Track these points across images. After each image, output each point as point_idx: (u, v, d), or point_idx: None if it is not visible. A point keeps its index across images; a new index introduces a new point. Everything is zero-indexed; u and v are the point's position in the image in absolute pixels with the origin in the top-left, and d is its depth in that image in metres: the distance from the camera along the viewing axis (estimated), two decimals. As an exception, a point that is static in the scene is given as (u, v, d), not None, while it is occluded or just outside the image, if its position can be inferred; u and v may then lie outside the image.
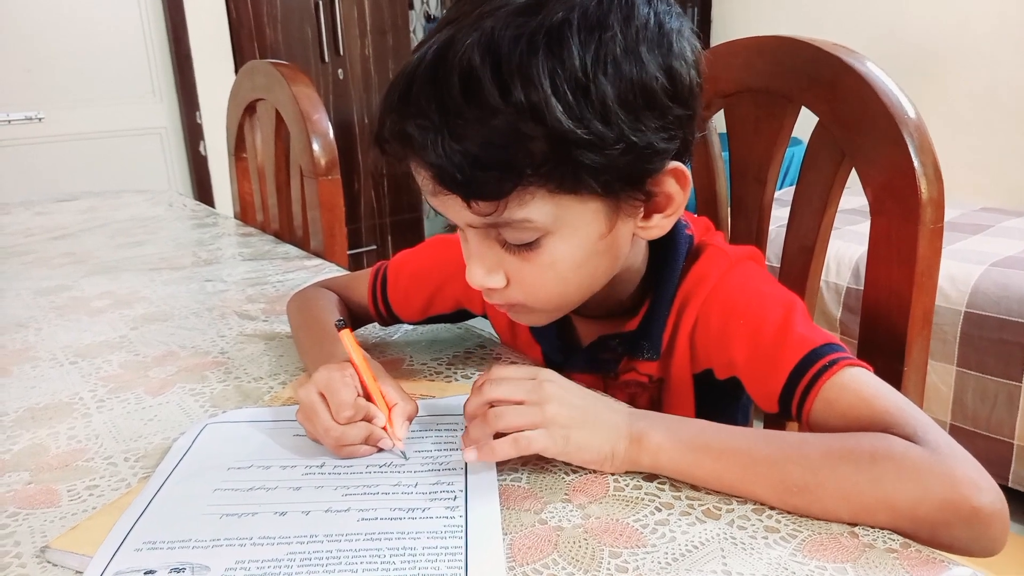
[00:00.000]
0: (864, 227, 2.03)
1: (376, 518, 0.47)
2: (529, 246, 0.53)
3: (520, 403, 0.51)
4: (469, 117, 0.47)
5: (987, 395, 1.76)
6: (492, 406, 0.52)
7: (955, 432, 1.81)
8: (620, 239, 0.56)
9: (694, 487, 0.51)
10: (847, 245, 1.95)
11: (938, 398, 1.83)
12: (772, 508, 0.48)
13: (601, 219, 0.53)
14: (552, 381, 0.52)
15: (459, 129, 0.47)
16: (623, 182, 0.51)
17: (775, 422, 0.79)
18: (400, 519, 0.47)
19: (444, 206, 0.53)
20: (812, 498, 0.47)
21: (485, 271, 0.56)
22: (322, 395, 0.55)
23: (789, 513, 0.48)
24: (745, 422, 0.75)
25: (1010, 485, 1.73)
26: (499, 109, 0.46)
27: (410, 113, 0.49)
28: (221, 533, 0.46)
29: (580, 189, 0.50)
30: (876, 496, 0.45)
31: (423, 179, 0.52)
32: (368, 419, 0.55)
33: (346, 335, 0.59)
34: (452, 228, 0.59)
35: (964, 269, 1.81)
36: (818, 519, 0.47)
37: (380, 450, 0.55)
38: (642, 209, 0.55)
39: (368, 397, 0.57)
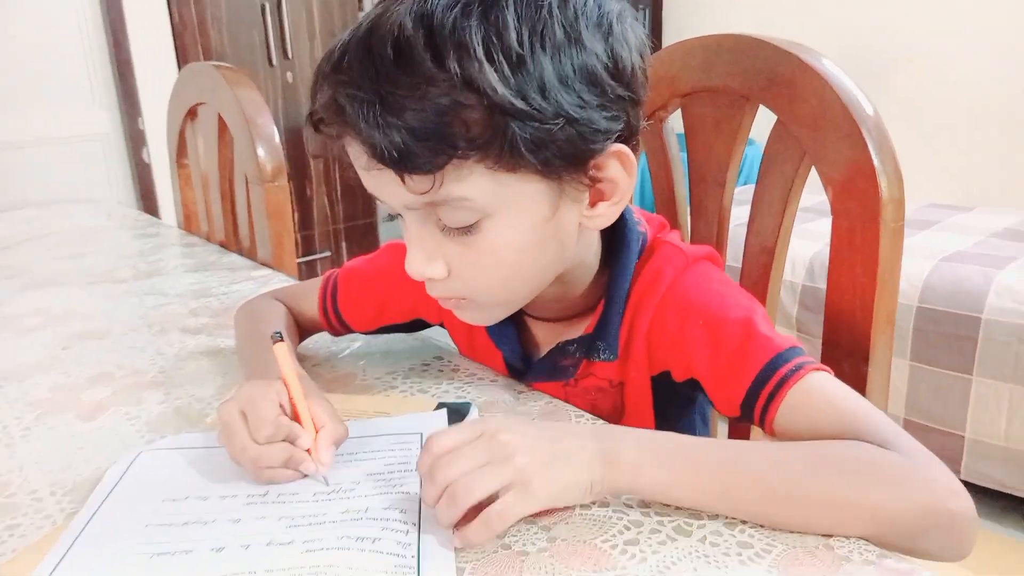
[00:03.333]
0: (817, 225, 2.07)
1: (322, 548, 0.43)
2: (469, 230, 0.50)
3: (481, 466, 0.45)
4: (402, 86, 0.45)
5: (940, 389, 1.78)
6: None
7: (909, 427, 1.84)
8: (565, 226, 0.53)
9: (663, 503, 0.48)
10: (801, 243, 1.97)
11: (892, 393, 1.86)
12: (745, 522, 0.46)
13: (543, 202, 0.51)
14: (504, 429, 0.46)
15: (392, 99, 0.45)
16: (564, 161, 0.49)
17: (739, 427, 0.78)
18: (348, 549, 0.43)
19: (380, 185, 0.51)
20: (796, 510, 0.45)
21: (424, 258, 0.53)
22: (244, 413, 0.52)
23: (766, 527, 0.46)
24: (706, 427, 0.73)
25: (962, 478, 1.75)
26: (433, 77, 0.45)
27: (342, 83, 0.47)
28: (151, 575, 0.42)
29: (519, 167, 0.48)
30: (860, 504, 0.45)
31: (356, 154, 0.50)
32: (291, 440, 0.51)
33: (280, 348, 0.56)
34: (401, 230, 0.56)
35: (915, 265, 1.84)
36: (798, 531, 0.45)
37: (303, 475, 0.52)
38: (587, 195, 0.53)
39: (296, 417, 0.53)
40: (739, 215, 0.81)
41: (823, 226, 2.04)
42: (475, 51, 0.44)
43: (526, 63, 0.45)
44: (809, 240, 1.99)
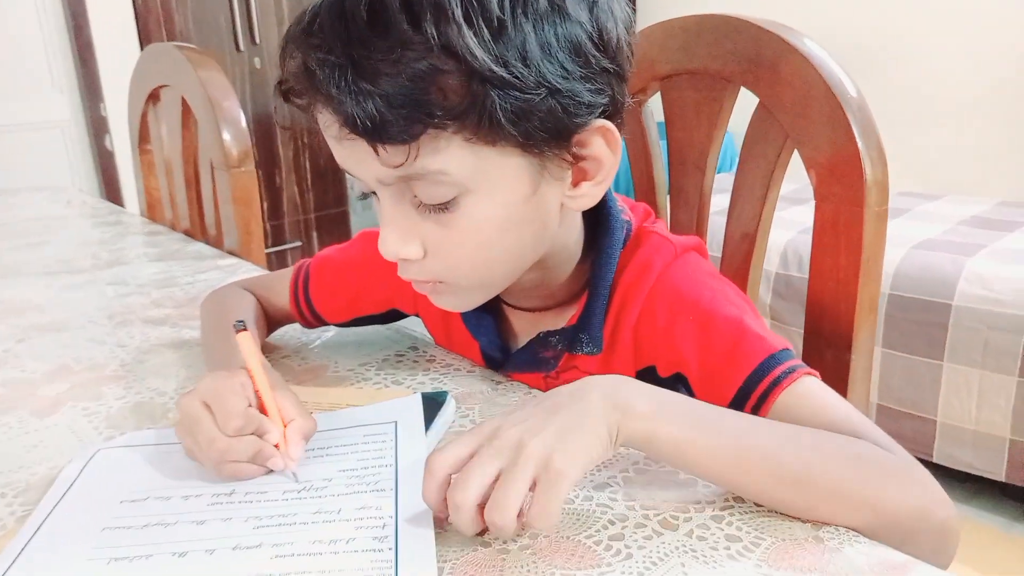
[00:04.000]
0: (791, 213, 2.07)
1: (292, 554, 0.41)
2: (446, 207, 0.48)
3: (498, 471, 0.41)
4: (376, 50, 0.43)
5: (912, 375, 1.80)
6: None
7: (882, 412, 1.86)
8: (547, 206, 0.51)
9: (648, 496, 0.46)
10: (774, 231, 1.96)
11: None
12: (733, 515, 0.45)
13: (524, 179, 0.48)
14: (503, 426, 0.43)
15: (365, 63, 0.43)
16: (546, 134, 0.46)
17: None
18: (320, 554, 0.41)
19: (352, 157, 0.48)
20: (801, 492, 0.44)
21: (399, 238, 0.50)
22: (208, 405, 0.49)
23: (756, 516, 0.44)
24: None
25: (934, 460, 1.78)
26: (409, 41, 0.42)
27: (313, 46, 0.45)
28: (108, 583, 0.39)
29: (499, 139, 0.45)
30: (863, 495, 0.44)
31: (327, 123, 0.47)
32: (259, 434, 0.49)
33: (244, 338, 0.53)
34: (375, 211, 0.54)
35: (887, 252, 1.85)
36: (799, 515, 0.44)
37: (269, 471, 0.49)
38: (569, 173, 0.51)
39: (262, 410, 0.50)
40: (716, 203, 0.80)
41: (796, 214, 2.07)
42: (454, 14, 0.42)
43: (507, 29, 0.43)
44: (782, 228, 1.99)
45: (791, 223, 2.01)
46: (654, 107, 0.84)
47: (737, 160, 0.75)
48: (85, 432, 0.59)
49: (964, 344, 1.71)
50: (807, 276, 0.69)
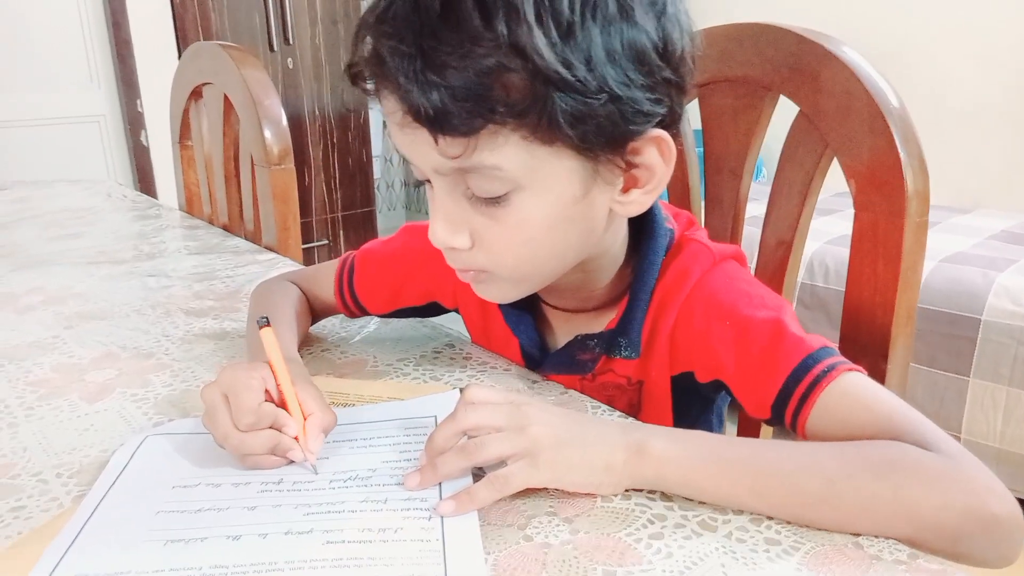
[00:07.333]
0: (818, 223, 2.05)
1: (343, 541, 0.42)
2: (498, 201, 0.49)
3: (499, 430, 0.46)
4: (446, 42, 0.44)
5: (936, 389, 1.78)
6: (468, 436, 0.48)
7: (908, 426, 1.84)
8: (596, 209, 0.52)
9: (685, 497, 0.47)
10: (803, 241, 1.96)
11: (890, 393, 1.86)
12: (772, 518, 0.45)
13: (576, 181, 0.50)
14: (533, 404, 0.48)
15: (434, 55, 0.44)
16: (602, 138, 0.47)
17: (750, 427, 0.77)
18: (370, 542, 0.42)
19: (411, 144, 0.49)
20: (829, 510, 0.44)
21: (449, 228, 0.51)
22: (226, 397, 0.50)
23: (798, 526, 0.45)
24: (721, 428, 0.72)
25: (960, 477, 1.76)
26: (479, 36, 0.43)
27: (385, 34, 0.46)
28: (166, 563, 0.41)
29: (555, 140, 0.47)
30: (897, 506, 0.43)
31: (392, 109, 0.48)
32: (277, 427, 0.50)
33: (266, 334, 0.54)
34: (420, 208, 0.55)
35: (917, 265, 1.84)
36: (833, 531, 0.44)
37: (288, 462, 0.51)
38: (621, 180, 0.52)
39: (283, 404, 0.52)
40: (748, 211, 0.80)
41: (823, 224, 2.06)
42: (525, 14, 0.43)
43: (575, 32, 0.44)
44: (809, 238, 1.97)
45: (818, 233, 2.00)
46: (690, 114, 0.84)
47: (765, 170, 0.75)
48: (134, 417, 0.61)
49: (992, 359, 1.69)
50: (832, 286, 0.69)
